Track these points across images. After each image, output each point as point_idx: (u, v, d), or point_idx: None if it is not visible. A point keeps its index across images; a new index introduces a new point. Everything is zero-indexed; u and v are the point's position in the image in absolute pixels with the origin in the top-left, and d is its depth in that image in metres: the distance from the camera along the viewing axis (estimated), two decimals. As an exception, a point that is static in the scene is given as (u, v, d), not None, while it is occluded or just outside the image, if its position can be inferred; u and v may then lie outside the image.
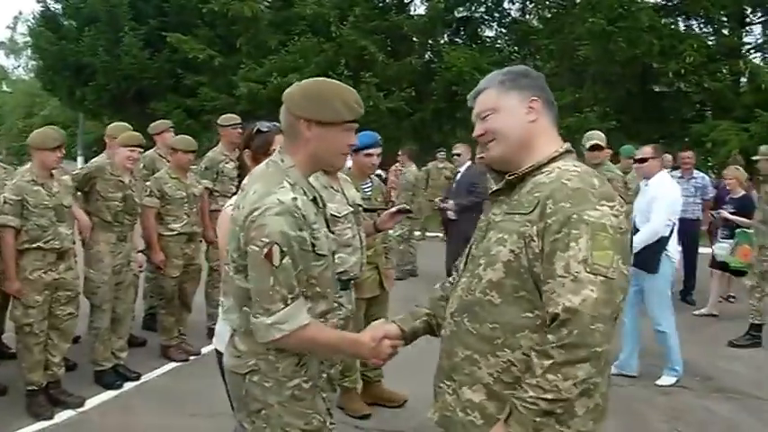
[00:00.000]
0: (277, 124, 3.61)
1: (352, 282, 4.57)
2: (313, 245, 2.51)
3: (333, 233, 2.79)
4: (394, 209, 4.79)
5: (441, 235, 13.16)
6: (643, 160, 6.47)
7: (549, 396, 1.99)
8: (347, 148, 2.63)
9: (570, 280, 2.01)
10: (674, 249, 6.32)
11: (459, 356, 2.29)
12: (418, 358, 6.78)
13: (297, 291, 2.45)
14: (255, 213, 2.44)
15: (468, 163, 9.51)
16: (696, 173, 10.21)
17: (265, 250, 2.39)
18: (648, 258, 6.10)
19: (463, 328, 2.29)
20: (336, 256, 4.28)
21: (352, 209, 4.48)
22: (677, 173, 9.96)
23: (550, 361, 2.00)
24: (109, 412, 5.51)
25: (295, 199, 2.46)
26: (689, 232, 9.04)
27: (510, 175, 2.30)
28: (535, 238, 2.12)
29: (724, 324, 8.41)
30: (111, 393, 5.82)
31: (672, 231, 6.21)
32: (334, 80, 2.70)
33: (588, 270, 2.01)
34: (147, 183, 6.67)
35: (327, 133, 2.55)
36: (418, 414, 5.46)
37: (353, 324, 4.92)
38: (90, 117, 28.64)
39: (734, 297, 9.79)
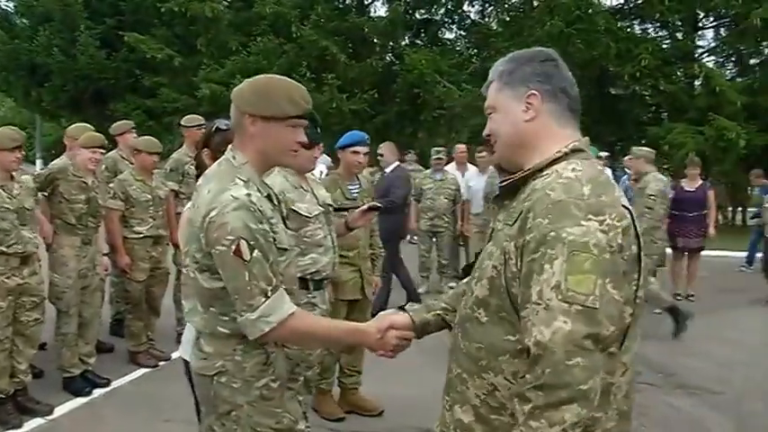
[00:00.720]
0: None
1: (326, 282, 4.55)
2: (274, 238, 2.52)
3: (290, 230, 2.80)
4: (365, 206, 4.77)
5: (408, 238, 13.22)
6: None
7: None
8: (295, 144, 2.60)
9: (543, 308, 1.76)
10: None
11: (453, 373, 2.14)
12: (395, 360, 6.85)
13: (275, 282, 2.43)
14: (213, 213, 2.42)
15: (395, 164, 9.32)
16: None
17: (233, 247, 2.38)
18: None
19: (458, 344, 2.13)
20: (308, 257, 4.32)
21: (322, 209, 4.46)
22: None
23: (529, 405, 1.75)
24: (79, 420, 5.43)
25: (249, 195, 2.46)
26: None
27: (502, 181, 2.10)
28: (512, 256, 1.89)
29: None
30: (80, 400, 5.72)
31: None
32: (285, 77, 2.69)
33: (560, 298, 1.74)
34: (110, 185, 6.58)
35: (271, 129, 2.54)
36: (393, 418, 5.50)
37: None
38: (47, 118, 28.20)
39: (692, 295, 9.96)
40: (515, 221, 1.91)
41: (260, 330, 2.41)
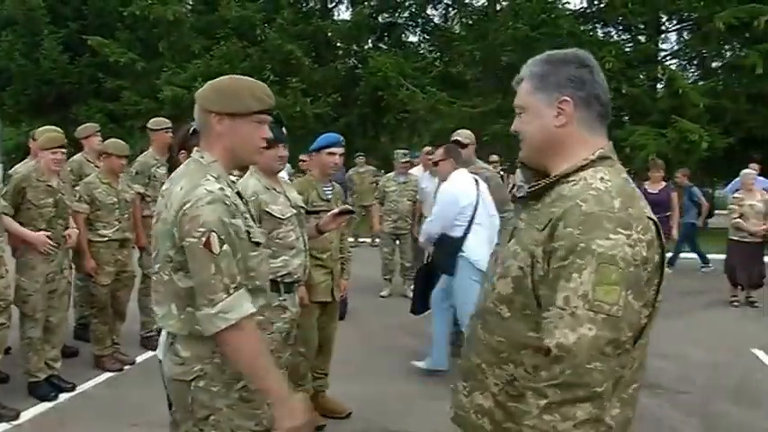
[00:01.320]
0: None
1: (297, 285, 4.54)
2: (248, 232, 2.55)
3: (260, 227, 2.83)
4: (336, 210, 4.78)
5: (370, 240, 13.24)
6: (436, 163, 6.66)
7: None
8: (261, 141, 2.64)
9: (568, 314, 1.85)
10: (475, 253, 6.14)
11: (471, 362, 2.21)
12: (361, 362, 6.88)
13: (238, 279, 2.44)
14: (186, 206, 2.44)
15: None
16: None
17: (204, 239, 2.39)
18: (443, 260, 6.25)
19: (477, 335, 2.20)
20: (280, 259, 4.32)
21: (295, 211, 4.46)
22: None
23: (545, 400, 1.85)
24: (45, 424, 5.36)
25: (222, 189, 2.49)
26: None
27: (531, 187, 2.12)
28: (540, 260, 1.96)
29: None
30: (46, 405, 5.65)
31: (465, 235, 6.17)
32: (246, 77, 2.73)
33: (587, 307, 1.83)
34: (76, 188, 6.50)
35: (238, 126, 2.58)
36: (361, 419, 5.52)
37: (303, 328, 4.92)
38: (8, 123, 27.74)
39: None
40: (545, 227, 1.96)
41: (216, 327, 2.40)
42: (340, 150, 5.23)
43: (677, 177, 12.70)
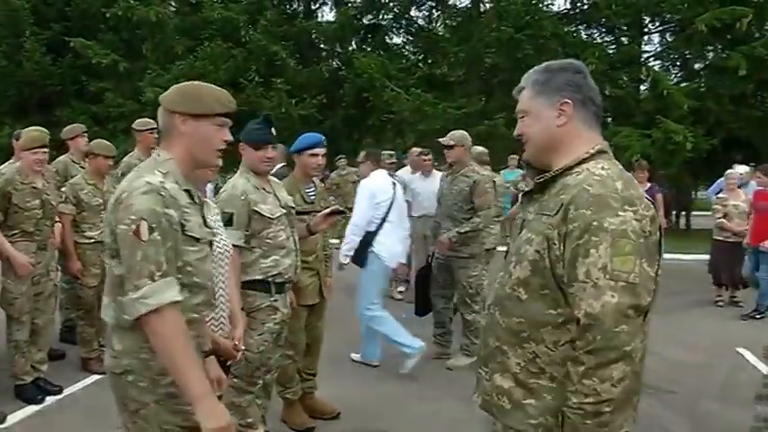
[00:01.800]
0: None
1: (288, 285, 4.52)
2: (183, 225, 2.59)
3: (208, 227, 2.82)
4: (327, 210, 4.77)
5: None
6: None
7: (590, 400, 2.07)
8: (221, 143, 2.74)
9: (591, 286, 2.08)
10: (385, 249, 6.59)
11: (491, 346, 2.40)
12: (350, 361, 6.87)
13: (165, 268, 2.48)
14: (123, 195, 2.54)
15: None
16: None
17: (134, 227, 2.46)
18: (359, 252, 6.53)
19: (495, 320, 2.39)
20: (270, 259, 4.30)
21: (284, 211, 4.44)
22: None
23: (583, 367, 2.08)
24: (32, 428, 5.33)
25: (163, 182, 2.56)
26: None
27: (539, 178, 2.36)
28: (556, 242, 2.18)
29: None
30: (33, 408, 5.62)
31: (377, 231, 6.53)
32: (208, 84, 2.86)
33: (608, 276, 2.07)
34: (62, 189, 6.46)
35: (201, 127, 2.68)
36: (350, 420, 5.53)
37: (291, 331, 4.90)
38: (-10, 125, 27.47)
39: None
40: (557, 212, 2.19)
41: (136, 311, 2.44)
42: (322, 151, 5.20)
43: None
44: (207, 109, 2.68)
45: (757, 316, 9.34)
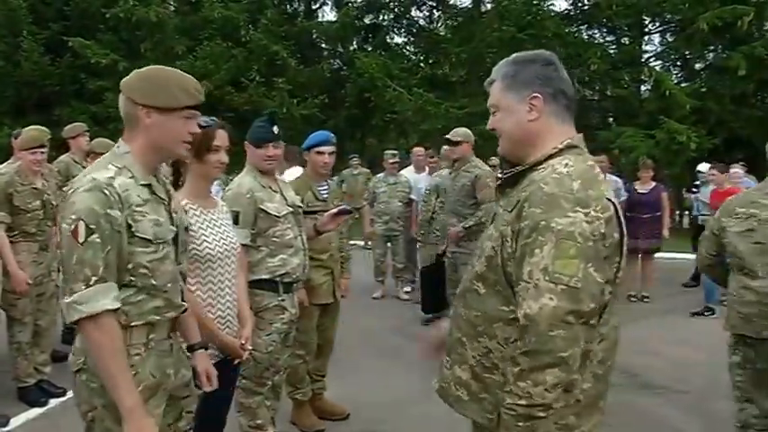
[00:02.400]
0: (215, 119, 3.51)
1: (296, 285, 4.46)
2: (130, 225, 2.46)
3: (175, 226, 2.69)
4: (335, 210, 4.71)
5: (362, 243, 13.17)
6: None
7: (522, 402, 2.03)
8: (188, 136, 2.61)
9: (532, 287, 2.04)
10: None
11: (453, 336, 2.40)
12: (358, 362, 6.82)
13: (102, 273, 2.37)
14: (70, 192, 2.44)
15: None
16: (609, 176, 10.45)
17: (72, 227, 2.36)
18: None
19: (459, 312, 2.39)
20: (278, 258, 4.23)
21: (291, 209, 4.37)
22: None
23: (518, 368, 2.05)
24: (36, 430, 5.29)
25: (112, 178, 2.44)
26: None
27: (506, 173, 2.35)
28: (509, 239, 2.16)
29: (643, 323, 8.66)
30: (36, 411, 5.57)
31: None
32: (174, 69, 2.69)
33: (547, 279, 2.02)
34: (64, 188, 6.36)
35: (167, 120, 2.54)
36: (360, 421, 5.49)
37: (303, 330, 4.85)
38: (-12, 125, 27.37)
39: (647, 297, 10.06)
40: (513, 208, 2.16)
41: (71, 317, 2.37)
42: (329, 149, 5.12)
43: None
44: (174, 102, 2.54)
45: (706, 313, 9.17)
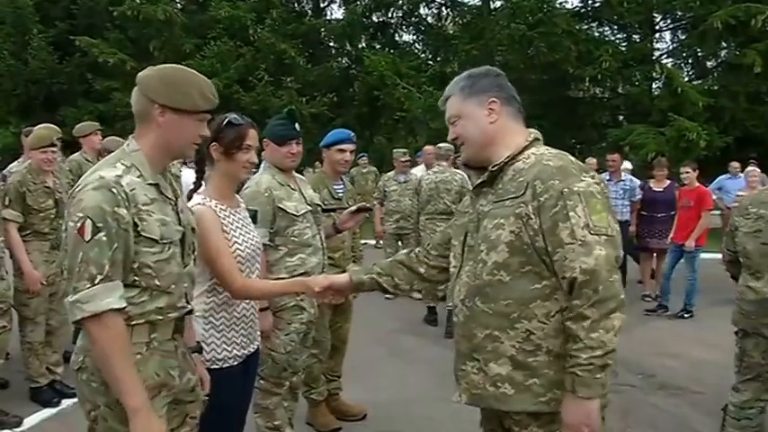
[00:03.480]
0: (246, 118, 3.41)
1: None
2: (136, 225, 2.40)
3: (181, 226, 2.62)
4: (353, 207, 4.63)
5: (374, 242, 13.09)
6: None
7: (599, 352, 2.21)
8: (198, 138, 2.60)
9: (579, 245, 2.25)
10: None
11: (478, 337, 2.47)
12: (371, 362, 6.75)
13: (107, 271, 2.30)
14: (77, 190, 2.39)
15: None
16: (624, 175, 10.36)
17: (78, 225, 2.31)
18: None
19: (478, 311, 2.47)
20: (297, 257, 4.15)
21: (310, 208, 4.29)
22: (605, 175, 10.06)
23: (588, 321, 2.22)
24: (49, 431, 5.24)
25: (120, 176, 2.40)
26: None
27: (493, 167, 2.52)
28: (532, 216, 2.34)
29: (656, 323, 8.66)
30: (49, 411, 5.53)
31: None
32: (190, 69, 2.65)
33: (592, 232, 2.26)
34: (76, 188, 6.31)
35: (181, 121, 2.52)
36: (377, 422, 5.43)
37: (315, 329, 4.77)
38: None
39: (649, 297, 10.00)
40: (524, 191, 2.38)
41: (74, 315, 2.31)
42: (350, 147, 5.07)
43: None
44: (192, 105, 2.52)
45: (685, 315, 9.04)
